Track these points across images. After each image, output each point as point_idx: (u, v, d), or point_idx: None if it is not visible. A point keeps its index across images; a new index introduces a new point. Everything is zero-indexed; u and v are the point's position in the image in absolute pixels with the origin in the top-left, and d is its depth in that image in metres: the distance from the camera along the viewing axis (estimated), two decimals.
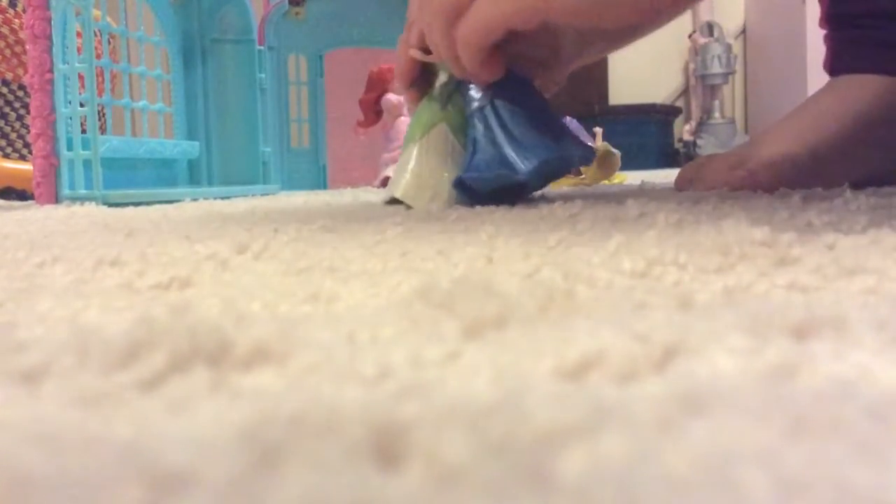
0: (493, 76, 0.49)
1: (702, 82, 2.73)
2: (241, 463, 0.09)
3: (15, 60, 1.11)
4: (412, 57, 0.53)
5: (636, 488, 0.08)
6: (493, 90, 0.49)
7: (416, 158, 0.51)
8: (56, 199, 0.77)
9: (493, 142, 0.47)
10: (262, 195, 0.96)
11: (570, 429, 0.10)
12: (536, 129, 0.48)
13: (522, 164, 0.46)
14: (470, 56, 0.48)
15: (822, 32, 0.65)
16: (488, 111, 0.49)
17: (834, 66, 0.63)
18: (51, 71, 0.76)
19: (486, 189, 0.48)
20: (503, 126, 0.48)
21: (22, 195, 1.01)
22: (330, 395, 0.12)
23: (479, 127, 0.48)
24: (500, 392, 0.12)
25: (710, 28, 2.71)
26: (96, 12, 0.82)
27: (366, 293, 0.21)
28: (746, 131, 2.82)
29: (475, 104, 0.50)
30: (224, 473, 0.09)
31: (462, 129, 0.51)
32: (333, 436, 0.10)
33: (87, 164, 0.76)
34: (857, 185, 0.52)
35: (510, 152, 0.47)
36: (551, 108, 0.52)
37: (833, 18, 0.64)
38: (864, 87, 0.58)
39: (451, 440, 0.10)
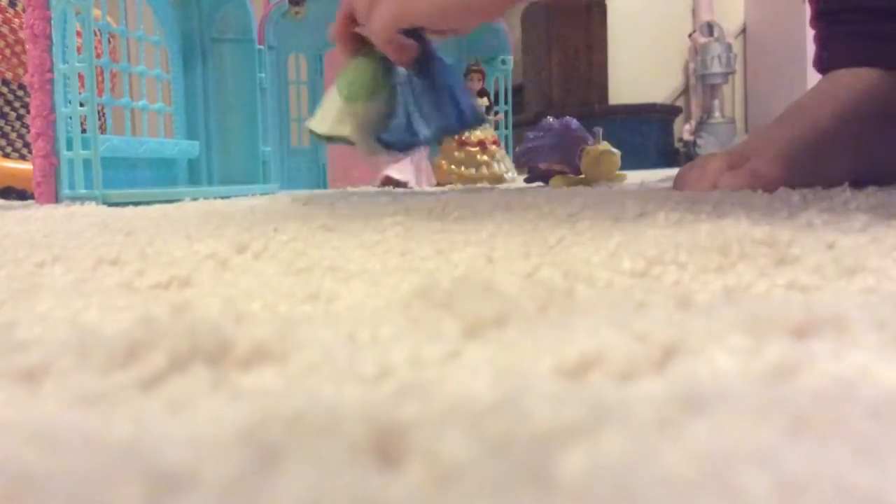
0: (406, 57, 0.61)
1: (702, 82, 2.73)
2: (241, 463, 0.09)
3: (15, 60, 1.10)
4: (347, 24, 0.63)
5: (635, 488, 0.08)
6: (414, 68, 0.63)
7: (362, 113, 0.64)
8: (56, 199, 0.76)
9: (407, 112, 0.64)
10: (261, 195, 0.95)
11: (570, 428, 0.10)
12: (440, 103, 0.64)
13: (423, 131, 0.64)
14: (381, 43, 0.59)
15: (813, 32, 0.66)
16: (406, 86, 0.64)
17: (824, 62, 0.63)
18: (51, 71, 0.76)
19: (396, 146, 0.65)
20: (416, 100, 0.64)
21: (22, 195, 1.00)
22: (330, 394, 0.12)
23: (399, 99, 0.64)
24: (499, 392, 0.12)
25: (710, 28, 2.71)
26: (96, 12, 0.82)
27: (366, 293, 0.21)
28: (746, 131, 2.82)
29: (399, 78, 0.65)
30: (224, 473, 0.09)
31: (393, 96, 0.66)
32: (333, 436, 0.10)
33: (86, 163, 0.76)
34: (857, 185, 0.52)
35: (416, 121, 0.63)
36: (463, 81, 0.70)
37: (823, 15, 0.64)
38: (858, 81, 0.58)
39: (451, 440, 0.10)
